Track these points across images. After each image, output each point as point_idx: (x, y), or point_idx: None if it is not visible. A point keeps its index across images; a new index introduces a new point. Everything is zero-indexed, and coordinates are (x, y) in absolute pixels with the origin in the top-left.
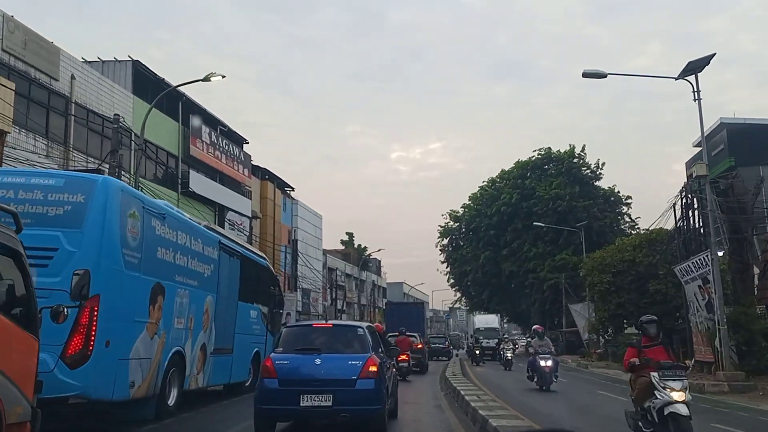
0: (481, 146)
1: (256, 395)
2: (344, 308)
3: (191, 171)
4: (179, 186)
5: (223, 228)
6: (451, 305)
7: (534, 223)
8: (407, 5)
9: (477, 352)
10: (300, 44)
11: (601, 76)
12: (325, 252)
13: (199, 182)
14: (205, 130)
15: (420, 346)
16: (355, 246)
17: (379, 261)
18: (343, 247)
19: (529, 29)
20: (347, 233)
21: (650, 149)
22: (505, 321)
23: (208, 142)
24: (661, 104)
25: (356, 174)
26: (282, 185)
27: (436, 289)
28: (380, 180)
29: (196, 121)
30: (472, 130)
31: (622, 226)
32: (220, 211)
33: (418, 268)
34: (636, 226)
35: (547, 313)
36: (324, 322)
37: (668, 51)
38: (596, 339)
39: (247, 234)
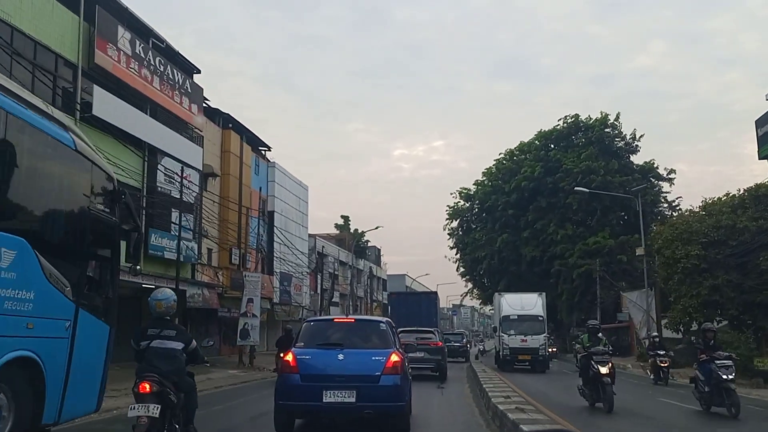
0: (482, 144)
1: (277, 391)
2: (332, 297)
3: (96, 88)
4: (78, 108)
5: (155, 179)
6: (456, 302)
7: (576, 188)
8: (410, 2)
9: (600, 369)
10: (303, 41)
11: None
12: (313, 236)
13: (108, 105)
14: (125, 35)
15: (440, 344)
16: (351, 231)
17: (379, 250)
18: (337, 232)
19: (531, 27)
20: (342, 216)
21: (652, 150)
22: None
23: (130, 53)
24: (666, 104)
25: (358, 171)
26: (253, 141)
27: (441, 283)
28: (382, 178)
29: (107, 17)
30: (474, 128)
31: (660, 208)
32: (150, 155)
33: (421, 266)
34: (678, 207)
35: (577, 305)
36: (345, 316)
37: (671, 50)
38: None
39: (197, 192)
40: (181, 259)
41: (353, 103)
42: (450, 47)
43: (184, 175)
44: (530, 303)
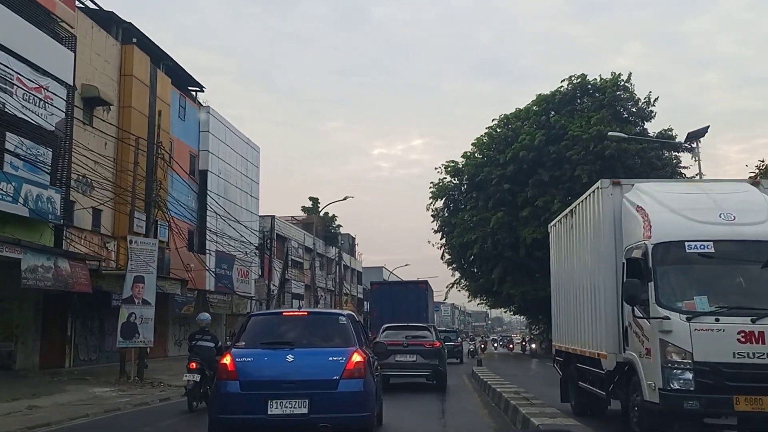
0: (461, 144)
1: (212, 402)
2: (284, 284)
3: None
4: None
5: None
6: (436, 298)
7: (610, 133)
8: (391, 1)
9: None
10: (283, 38)
11: None
12: (269, 217)
13: None
14: None
15: (437, 344)
16: (322, 215)
17: (353, 238)
18: (304, 215)
19: (511, 27)
20: (310, 198)
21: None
22: (512, 312)
23: None
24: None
25: (338, 170)
26: (177, 74)
27: (422, 278)
28: (362, 177)
29: None
30: (453, 127)
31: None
32: None
33: (400, 264)
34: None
35: None
36: (297, 309)
37: (648, 51)
38: None
39: (65, 113)
40: (26, 214)
41: (333, 102)
42: (430, 47)
43: (43, 84)
44: (749, 204)
